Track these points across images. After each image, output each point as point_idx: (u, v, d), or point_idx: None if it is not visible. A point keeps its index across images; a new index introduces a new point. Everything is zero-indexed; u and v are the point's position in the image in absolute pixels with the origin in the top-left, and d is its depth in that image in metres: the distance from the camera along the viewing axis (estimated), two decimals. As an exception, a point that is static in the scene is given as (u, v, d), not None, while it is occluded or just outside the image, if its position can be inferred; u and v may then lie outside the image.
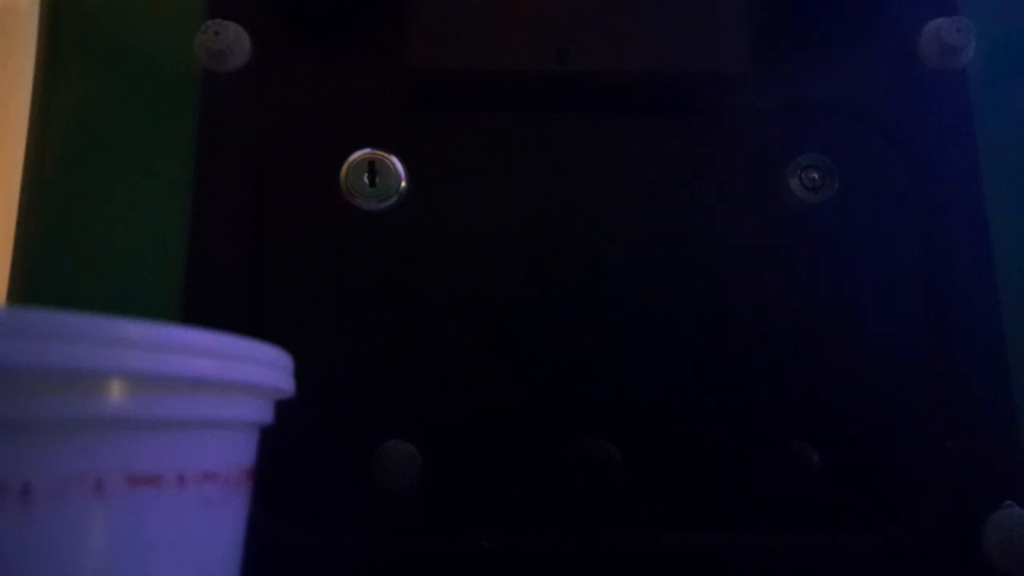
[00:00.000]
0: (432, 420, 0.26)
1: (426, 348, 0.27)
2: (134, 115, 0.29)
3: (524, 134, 0.28)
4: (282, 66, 0.29)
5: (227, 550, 0.17)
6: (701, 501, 0.26)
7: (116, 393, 0.14)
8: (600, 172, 0.28)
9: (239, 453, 0.18)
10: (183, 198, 0.28)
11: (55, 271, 0.28)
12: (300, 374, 0.20)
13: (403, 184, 0.27)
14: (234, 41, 0.28)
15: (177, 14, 0.30)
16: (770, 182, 0.28)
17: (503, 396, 0.26)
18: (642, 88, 0.28)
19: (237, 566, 0.18)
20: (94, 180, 0.29)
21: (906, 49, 0.29)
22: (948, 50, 0.28)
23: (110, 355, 0.14)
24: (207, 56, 0.28)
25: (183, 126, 0.29)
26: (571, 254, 0.27)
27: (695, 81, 0.28)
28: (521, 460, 0.26)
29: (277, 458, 0.21)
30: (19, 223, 0.29)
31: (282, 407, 0.20)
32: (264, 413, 0.19)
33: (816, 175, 0.27)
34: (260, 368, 0.17)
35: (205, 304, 0.27)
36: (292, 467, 0.26)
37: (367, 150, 0.27)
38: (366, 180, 0.27)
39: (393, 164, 0.27)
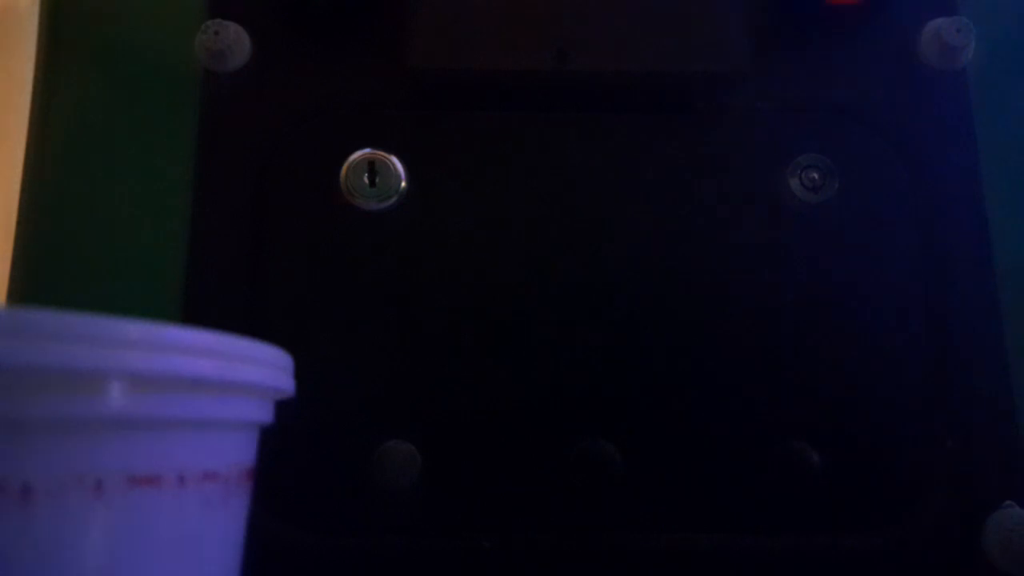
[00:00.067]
0: (432, 420, 0.26)
1: (426, 348, 0.27)
2: (134, 115, 0.29)
3: (524, 134, 0.28)
4: (282, 66, 0.29)
5: (227, 550, 0.17)
6: (701, 501, 0.26)
7: (116, 393, 0.14)
8: (600, 172, 0.28)
9: (239, 453, 0.18)
10: (183, 198, 0.28)
11: (55, 271, 0.28)
12: (300, 374, 0.20)
13: (403, 184, 0.27)
14: (234, 41, 0.28)
15: (177, 14, 0.30)
16: (770, 182, 0.28)
17: (503, 396, 0.26)
18: (642, 88, 0.28)
19: (237, 566, 0.18)
20: (94, 180, 0.29)
21: (906, 49, 0.29)
22: (948, 50, 0.28)
23: (110, 355, 0.14)
24: (207, 56, 0.28)
25: (183, 126, 0.29)
26: (571, 254, 0.27)
27: (695, 81, 0.28)
28: (521, 460, 0.26)
29: (277, 458, 0.21)
30: (19, 223, 0.29)
31: (282, 407, 0.20)
32: (264, 413, 0.19)
33: (816, 175, 0.27)
34: (260, 368, 0.17)
35: (205, 304, 0.27)
36: (292, 467, 0.26)
37: (367, 150, 0.27)
38: (366, 180, 0.27)
39: (393, 164, 0.27)
